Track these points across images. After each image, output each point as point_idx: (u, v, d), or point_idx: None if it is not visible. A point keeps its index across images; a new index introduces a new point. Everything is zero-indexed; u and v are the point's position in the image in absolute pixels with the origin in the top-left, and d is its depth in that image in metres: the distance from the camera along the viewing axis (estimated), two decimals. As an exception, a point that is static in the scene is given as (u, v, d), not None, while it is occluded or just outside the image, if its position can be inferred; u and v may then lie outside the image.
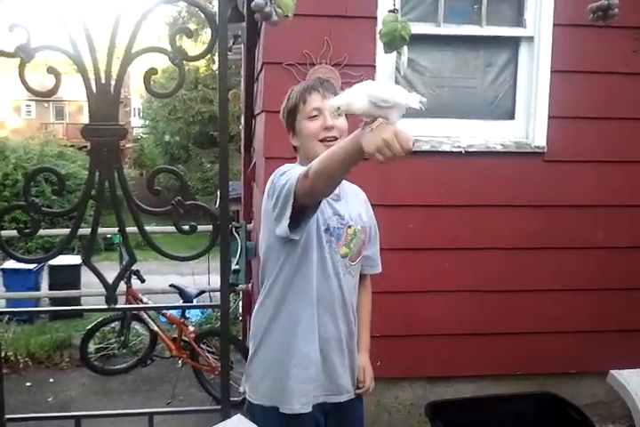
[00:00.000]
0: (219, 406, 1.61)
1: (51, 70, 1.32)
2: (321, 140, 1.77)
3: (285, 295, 1.79)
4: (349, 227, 1.84)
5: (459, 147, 3.24)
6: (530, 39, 3.30)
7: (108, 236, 14.16)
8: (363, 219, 1.91)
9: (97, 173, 1.37)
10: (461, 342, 3.37)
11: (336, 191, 1.82)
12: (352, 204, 1.91)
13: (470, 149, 3.24)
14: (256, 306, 1.91)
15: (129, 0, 1.41)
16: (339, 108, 1.31)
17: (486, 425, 3.00)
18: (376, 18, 3.08)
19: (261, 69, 3.38)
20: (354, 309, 1.90)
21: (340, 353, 1.85)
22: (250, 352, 1.90)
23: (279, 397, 1.79)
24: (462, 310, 3.33)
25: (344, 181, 1.91)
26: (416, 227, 3.27)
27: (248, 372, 1.91)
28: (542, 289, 3.39)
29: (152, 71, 1.35)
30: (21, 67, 1.32)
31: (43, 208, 1.37)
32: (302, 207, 1.59)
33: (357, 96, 1.26)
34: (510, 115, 3.38)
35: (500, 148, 3.28)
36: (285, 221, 1.60)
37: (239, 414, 1.39)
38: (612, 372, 1.58)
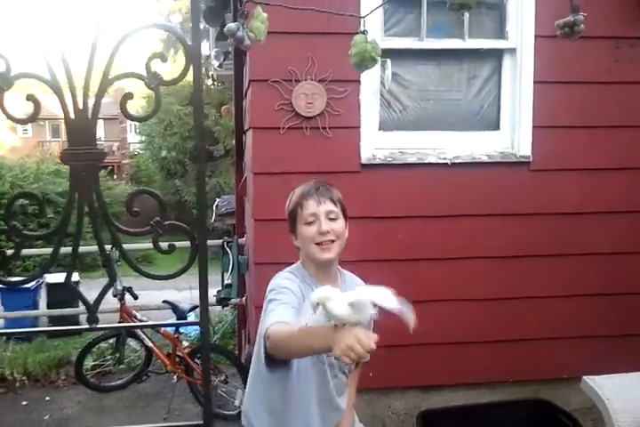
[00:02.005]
0: (201, 422, 1.63)
1: (30, 97, 1.36)
2: (317, 244, 1.82)
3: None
4: None
5: (445, 158, 3.27)
6: (512, 51, 3.34)
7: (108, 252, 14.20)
8: None
9: (76, 196, 1.40)
10: (453, 351, 3.38)
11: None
12: None
13: (456, 161, 3.27)
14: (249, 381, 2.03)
15: (106, 27, 1.44)
16: (317, 303, 1.38)
17: (478, 433, 3.02)
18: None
19: (249, 86, 3.42)
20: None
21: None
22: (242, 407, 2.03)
23: None
24: (454, 319, 3.35)
25: (346, 272, 1.99)
26: (405, 238, 3.29)
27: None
28: (532, 296, 3.41)
29: (128, 96, 1.38)
30: (0, 95, 1.36)
31: (23, 232, 1.40)
32: None
33: (338, 302, 1.35)
34: (495, 125, 3.42)
35: (485, 158, 3.31)
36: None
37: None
38: (585, 378, 1.60)
